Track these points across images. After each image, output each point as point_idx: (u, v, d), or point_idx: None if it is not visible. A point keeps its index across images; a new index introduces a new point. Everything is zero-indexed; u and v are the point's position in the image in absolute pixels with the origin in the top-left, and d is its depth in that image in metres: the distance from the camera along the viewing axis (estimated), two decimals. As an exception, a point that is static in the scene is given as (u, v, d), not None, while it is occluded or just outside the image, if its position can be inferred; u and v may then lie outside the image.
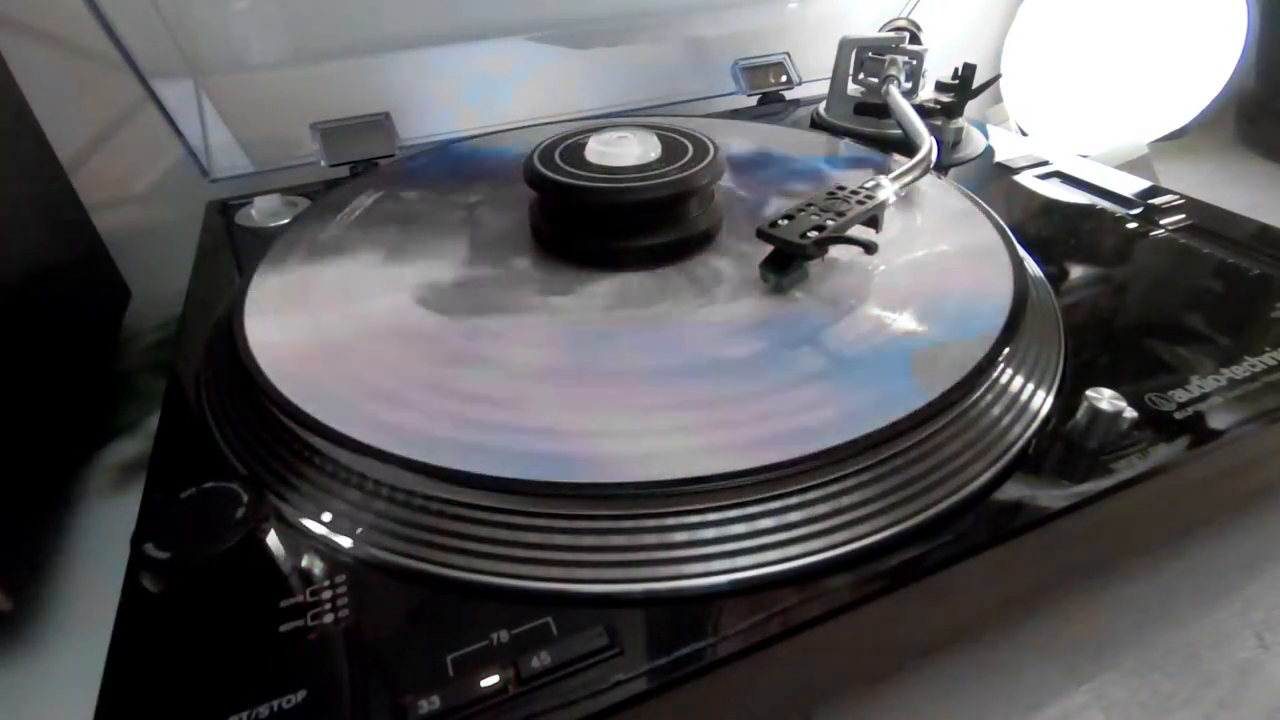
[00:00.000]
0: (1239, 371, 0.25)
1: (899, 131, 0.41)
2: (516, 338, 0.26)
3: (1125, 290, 0.31)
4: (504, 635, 0.18)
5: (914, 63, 0.44)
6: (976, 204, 0.34)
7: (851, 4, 0.59)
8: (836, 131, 0.46)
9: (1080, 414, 0.23)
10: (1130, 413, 0.22)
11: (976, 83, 0.44)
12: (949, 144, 0.44)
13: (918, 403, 0.22)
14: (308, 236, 0.34)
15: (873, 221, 0.30)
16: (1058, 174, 0.41)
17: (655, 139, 0.32)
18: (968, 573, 0.20)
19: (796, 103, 0.55)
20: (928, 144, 0.35)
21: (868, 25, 0.52)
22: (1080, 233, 0.35)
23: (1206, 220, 0.35)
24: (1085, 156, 0.44)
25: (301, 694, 0.17)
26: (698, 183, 0.30)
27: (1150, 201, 0.37)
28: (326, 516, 0.21)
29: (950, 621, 0.23)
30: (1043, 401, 0.24)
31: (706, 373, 0.24)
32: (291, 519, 0.21)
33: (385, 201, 0.37)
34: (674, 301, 0.28)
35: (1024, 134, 0.66)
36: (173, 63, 0.41)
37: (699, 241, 0.31)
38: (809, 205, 0.29)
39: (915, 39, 0.48)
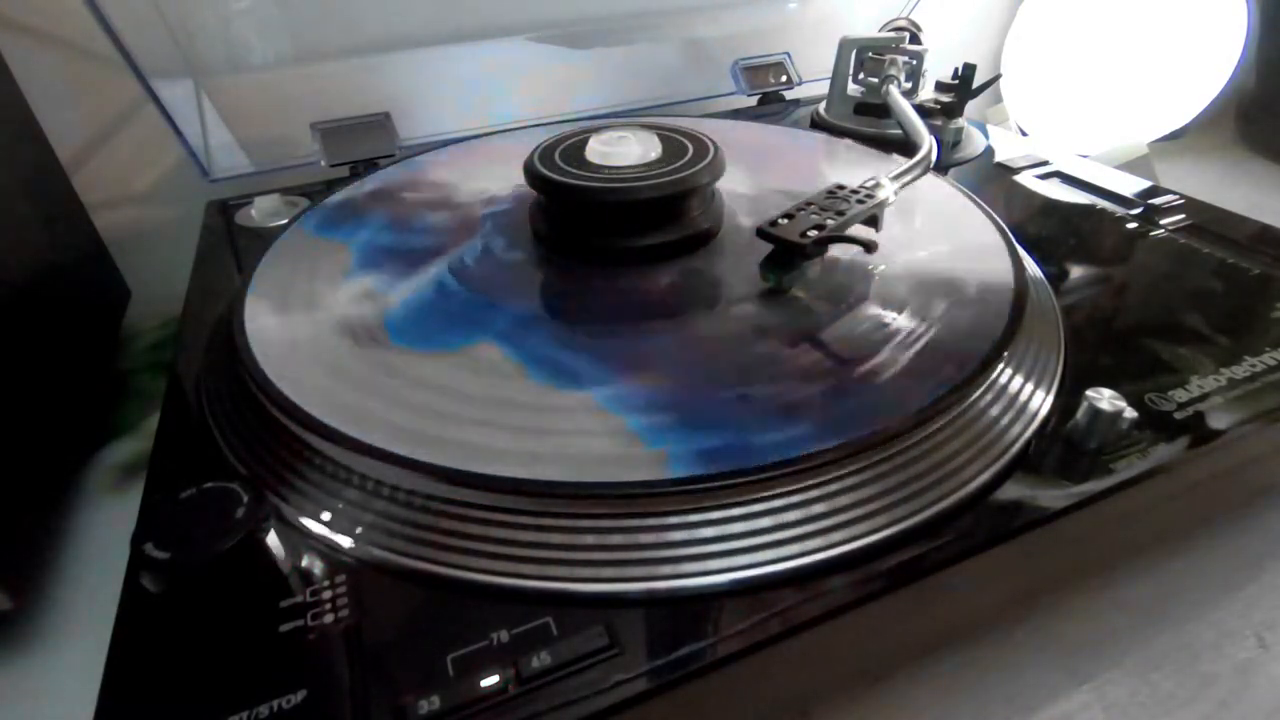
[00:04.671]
0: (1239, 371, 0.25)
1: (899, 131, 0.41)
2: (517, 338, 0.26)
3: (1125, 290, 0.31)
4: (504, 635, 0.18)
5: (914, 63, 0.44)
6: (976, 204, 0.34)
7: (851, 4, 0.59)
8: (836, 131, 0.46)
9: (1080, 414, 0.23)
10: (1130, 413, 0.22)
11: (976, 83, 0.44)
12: (949, 144, 0.44)
13: (918, 403, 0.22)
14: (307, 236, 0.34)
15: (872, 221, 0.30)
16: (1058, 174, 0.41)
17: (655, 139, 0.32)
18: (968, 573, 0.20)
19: (796, 103, 0.55)
20: (927, 144, 0.35)
21: (868, 25, 0.52)
22: (1080, 233, 0.35)
23: (1206, 220, 0.35)
24: (1085, 156, 0.44)
25: (301, 694, 0.17)
26: (698, 182, 0.30)
27: (1150, 201, 0.37)
28: (326, 516, 0.21)
29: (950, 621, 0.23)
30: (1043, 401, 0.24)
31: (706, 372, 0.24)
32: (291, 519, 0.21)
33: (386, 200, 0.37)
34: (673, 301, 0.28)
35: (1024, 134, 0.66)
36: (173, 63, 0.41)
37: (699, 241, 0.31)
38: (809, 204, 0.29)
39: (915, 39, 0.48)
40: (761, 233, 0.28)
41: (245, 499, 0.19)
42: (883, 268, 0.29)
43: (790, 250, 0.28)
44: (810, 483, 0.20)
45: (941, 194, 0.36)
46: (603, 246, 0.30)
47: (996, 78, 0.51)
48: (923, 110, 0.42)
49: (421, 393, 0.24)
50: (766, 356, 0.25)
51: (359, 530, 0.20)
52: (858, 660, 0.22)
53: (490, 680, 0.16)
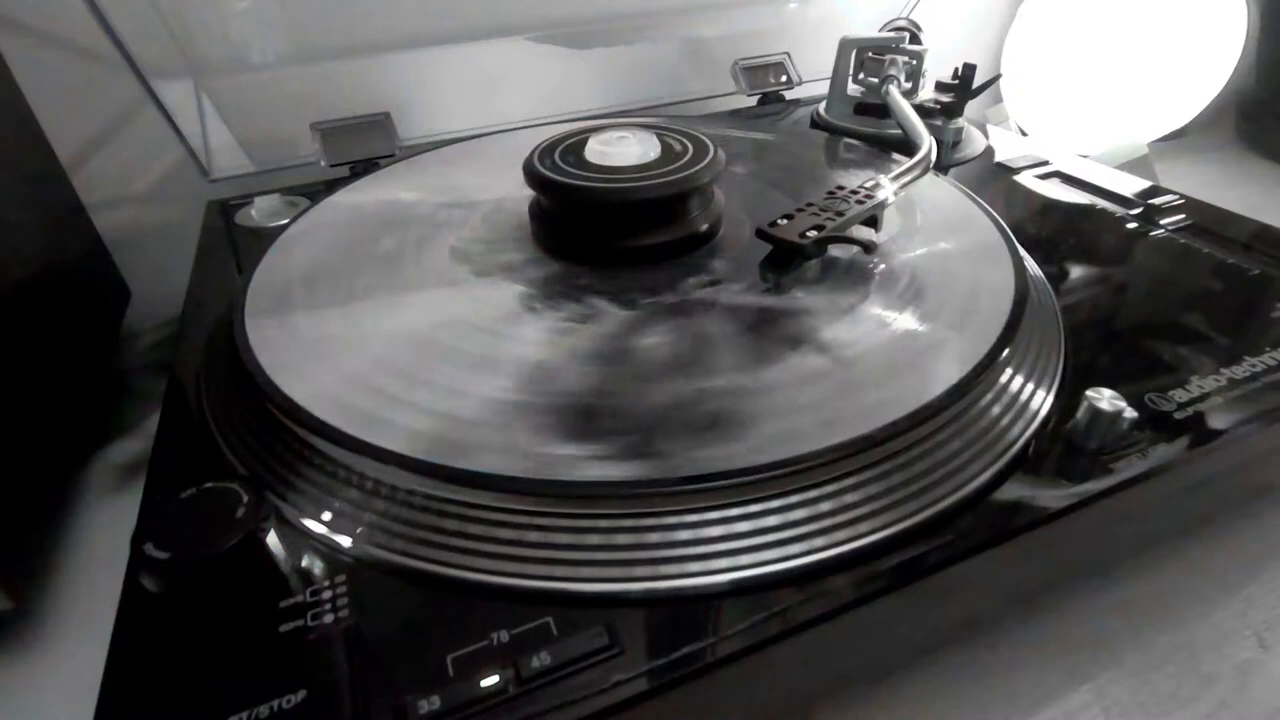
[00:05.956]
0: (1239, 371, 0.25)
1: (899, 131, 0.41)
2: (517, 338, 0.26)
3: (1125, 290, 0.31)
4: (504, 635, 0.18)
5: (914, 63, 0.44)
6: (976, 204, 0.34)
7: (851, 4, 0.59)
8: (836, 131, 0.46)
9: (1080, 414, 0.23)
10: (1130, 413, 0.22)
11: (976, 83, 0.44)
12: (949, 144, 0.44)
13: (918, 403, 0.22)
14: (308, 236, 0.34)
15: (872, 221, 0.30)
16: (1058, 174, 0.41)
17: (655, 139, 0.32)
18: (968, 573, 0.20)
19: (796, 103, 0.55)
20: (927, 144, 0.35)
21: (868, 25, 0.52)
22: (1080, 233, 0.35)
23: (1206, 220, 0.35)
24: (1085, 156, 0.44)
25: (301, 694, 0.17)
26: (698, 182, 0.30)
27: (1150, 201, 0.37)
28: (326, 516, 0.21)
29: (950, 621, 0.23)
30: (1043, 401, 0.24)
31: (706, 372, 0.24)
32: (291, 519, 0.21)
33: (387, 200, 0.37)
34: (674, 301, 0.28)
35: (1024, 134, 0.66)
36: (173, 63, 0.41)
37: (699, 241, 0.31)
38: (808, 205, 0.29)
39: (915, 39, 0.48)
40: (761, 233, 0.28)
41: (245, 499, 0.19)
42: (882, 268, 0.29)
43: (790, 251, 0.28)
44: (810, 482, 0.20)
45: (941, 194, 0.36)
46: (602, 246, 0.30)
47: (996, 78, 0.51)
48: (923, 110, 0.42)
49: (422, 392, 0.24)
50: (766, 357, 0.25)
51: (359, 530, 0.20)
52: (858, 660, 0.22)
53: (490, 680, 0.16)
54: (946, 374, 0.23)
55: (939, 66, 0.46)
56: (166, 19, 0.40)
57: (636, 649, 0.17)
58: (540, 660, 0.17)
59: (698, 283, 0.29)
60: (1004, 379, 0.24)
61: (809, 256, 0.28)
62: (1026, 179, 0.41)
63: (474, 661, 0.17)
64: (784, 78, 0.57)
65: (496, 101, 0.52)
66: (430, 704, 0.16)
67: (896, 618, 0.20)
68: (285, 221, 0.36)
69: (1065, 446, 0.23)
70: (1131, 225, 0.35)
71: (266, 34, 0.44)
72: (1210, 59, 0.57)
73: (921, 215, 0.34)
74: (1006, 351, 0.24)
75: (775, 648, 0.18)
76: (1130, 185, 0.39)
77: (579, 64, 0.54)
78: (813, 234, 0.27)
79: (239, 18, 0.42)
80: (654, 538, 0.19)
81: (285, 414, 0.23)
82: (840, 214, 0.29)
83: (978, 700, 0.23)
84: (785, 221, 0.28)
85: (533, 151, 0.32)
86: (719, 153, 0.31)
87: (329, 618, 0.18)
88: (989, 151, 0.45)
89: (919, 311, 0.26)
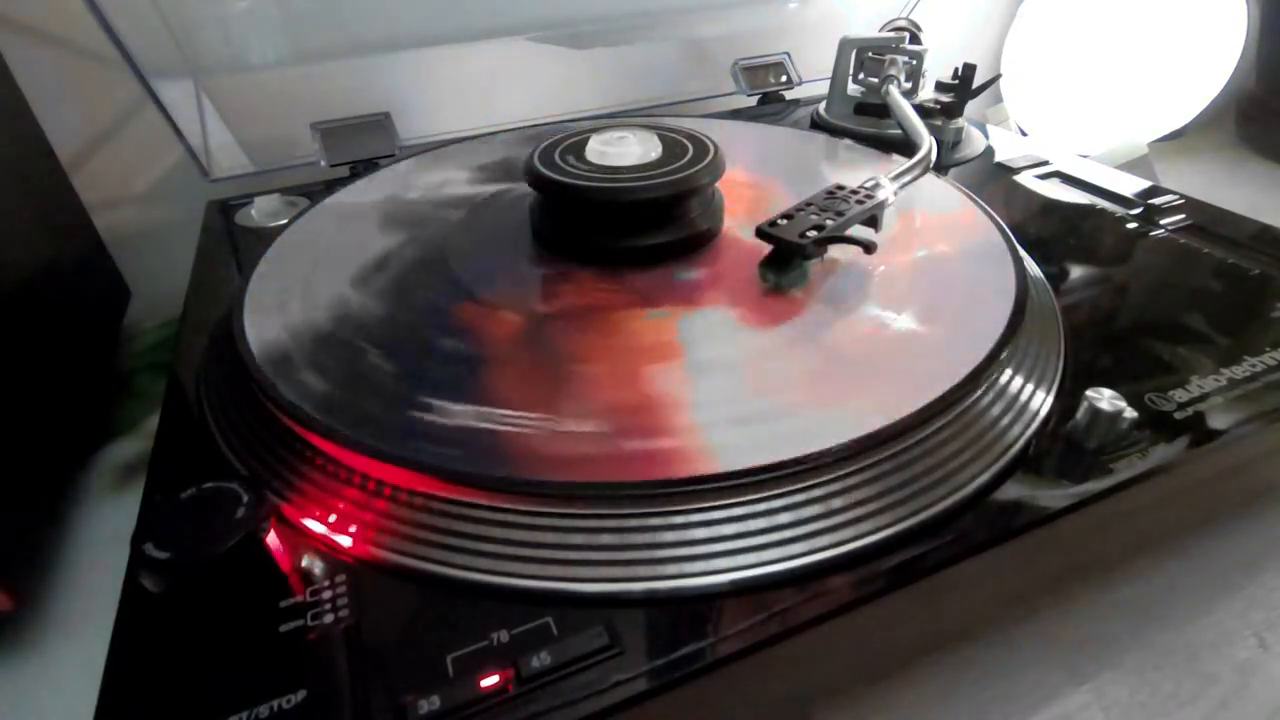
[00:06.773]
0: (1239, 371, 0.25)
1: (899, 131, 0.41)
2: (517, 337, 0.26)
3: (1125, 290, 0.31)
4: (504, 635, 0.18)
5: (914, 63, 0.44)
6: (976, 204, 0.34)
7: (851, 4, 0.59)
8: (836, 131, 0.46)
9: (1080, 414, 0.23)
10: (1130, 413, 0.22)
11: (976, 83, 0.44)
12: (949, 144, 0.44)
13: (918, 403, 0.22)
14: (308, 236, 0.34)
15: (872, 221, 0.30)
16: (1058, 174, 0.41)
17: (655, 139, 0.32)
18: (968, 573, 0.20)
19: (796, 103, 0.55)
20: (927, 144, 0.35)
21: (868, 25, 0.52)
22: (1080, 233, 0.35)
23: (1206, 220, 0.35)
24: (1085, 156, 0.44)
25: (301, 694, 0.17)
26: (698, 182, 0.30)
27: (1150, 201, 0.37)
28: (326, 516, 0.21)
29: (950, 621, 0.23)
30: (1043, 401, 0.24)
31: (706, 372, 0.24)
32: (291, 519, 0.21)
33: (387, 200, 0.37)
34: (674, 301, 0.28)
35: (1024, 134, 0.66)
36: (173, 63, 0.41)
37: (699, 241, 0.31)
38: (808, 204, 0.29)
39: (915, 39, 0.48)
40: (761, 233, 0.28)
41: (245, 499, 0.19)
42: (882, 268, 0.29)
43: (790, 251, 0.28)
44: (811, 482, 0.20)
45: (941, 194, 0.36)
46: (602, 246, 0.30)
47: (996, 78, 0.51)
48: (923, 110, 0.42)
49: (421, 391, 0.24)
50: (766, 357, 0.25)
51: (359, 530, 0.20)
52: (858, 660, 0.22)
53: (490, 680, 0.16)
54: (946, 374, 0.23)
55: (939, 66, 0.46)
56: (166, 19, 0.40)
57: (636, 649, 0.17)
58: (540, 660, 0.17)
59: (697, 283, 0.29)
60: (1004, 379, 0.24)
61: (809, 256, 0.28)
62: (1026, 179, 0.41)
63: (474, 661, 0.17)
64: (784, 78, 0.57)
65: (496, 101, 0.52)
66: (430, 704, 0.16)
67: (896, 618, 0.20)
68: (285, 221, 0.36)
69: (1065, 446, 0.23)
70: (1131, 225, 0.35)
71: (266, 34, 0.44)
72: (1210, 59, 0.57)
73: (921, 215, 0.34)
74: (1006, 351, 0.24)
75: (775, 648, 0.18)
76: (1130, 185, 0.39)
77: (579, 64, 0.54)
78: (813, 234, 0.27)
79: (239, 18, 0.42)
80: (654, 538, 0.19)
81: (285, 414, 0.23)
82: (840, 214, 0.29)
83: (977, 700, 0.23)
84: (785, 221, 0.28)
85: (533, 151, 0.32)
86: (719, 153, 0.31)
87: (329, 618, 0.18)
88: (989, 151, 0.45)
89: (919, 311, 0.26)
